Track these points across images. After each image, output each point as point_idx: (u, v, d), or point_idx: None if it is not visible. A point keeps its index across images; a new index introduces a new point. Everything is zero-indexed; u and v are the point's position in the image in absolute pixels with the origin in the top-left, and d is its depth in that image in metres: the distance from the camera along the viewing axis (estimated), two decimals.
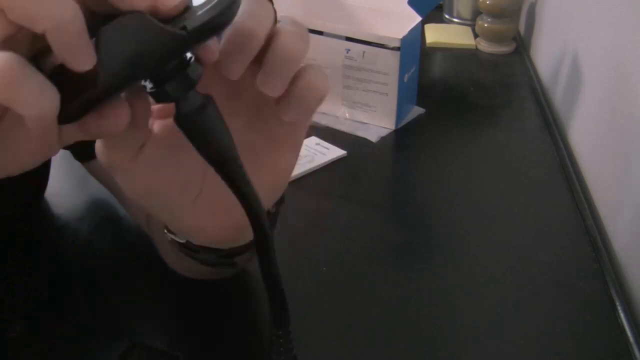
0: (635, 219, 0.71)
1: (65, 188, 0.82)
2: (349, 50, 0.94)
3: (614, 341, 0.62)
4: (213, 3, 0.30)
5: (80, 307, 0.63)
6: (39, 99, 0.27)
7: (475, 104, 1.05)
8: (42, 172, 0.70)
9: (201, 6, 0.30)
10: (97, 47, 0.29)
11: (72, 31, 0.27)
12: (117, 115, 0.31)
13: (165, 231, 0.49)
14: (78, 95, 0.30)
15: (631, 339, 0.62)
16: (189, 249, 0.48)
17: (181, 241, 0.48)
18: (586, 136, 0.92)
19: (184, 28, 0.29)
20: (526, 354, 0.60)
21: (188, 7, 0.31)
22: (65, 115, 0.30)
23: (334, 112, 1.00)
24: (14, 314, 0.62)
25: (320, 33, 0.94)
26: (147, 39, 0.29)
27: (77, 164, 0.68)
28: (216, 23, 0.30)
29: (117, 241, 0.73)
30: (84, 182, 0.79)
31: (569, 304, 0.66)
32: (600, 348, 0.61)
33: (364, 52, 0.93)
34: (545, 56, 1.17)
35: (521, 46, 1.24)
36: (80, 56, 0.28)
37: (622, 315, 0.64)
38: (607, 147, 0.83)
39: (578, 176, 0.88)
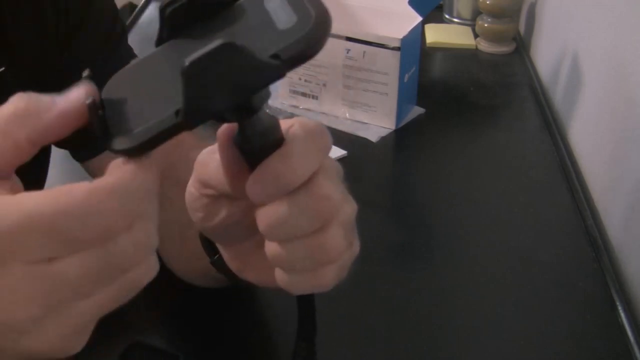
0: (635, 219, 0.71)
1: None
2: (349, 50, 0.94)
3: (614, 341, 0.62)
4: (303, 28, 0.28)
5: None
6: None
7: (475, 104, 1.05)
8: (40, 173, 0.70)
9: (287, 29, 0.29)
10: (189, 80, 0.27)
11: None
12: None
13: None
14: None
15: (631, 339, 0.62)
16: (210, 249, 0.48)
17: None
18: (586, 136, 0.92)
19: (276, 56, 0.28)
20: (526, 354, 0.60)
21: (266, 24, 0.29)
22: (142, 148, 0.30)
23: (334, 112, 1.00)
24: None
25: None
26: (241, 69, 0.28)
27: (77, 164, 0.68)
28: (310, 53, 0.29)
29: None
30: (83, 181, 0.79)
31: (569, 304, 0.66)
32: (600, 348, 0.61)
33: (364, 52, 0.93)
34: (545, 56, 1.17)
35: (521, 46, 1.24)
36: None
37: (622, 315, 0.64)
38: (607, 147, 0.83)
39: (578, 176, 0.88)
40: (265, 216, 0.33)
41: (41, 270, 0.27)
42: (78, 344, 0.30)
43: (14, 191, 0.29)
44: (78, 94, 0.30)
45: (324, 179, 0.33)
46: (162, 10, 0.31)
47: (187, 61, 0.27)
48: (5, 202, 0.27)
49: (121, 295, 0.30)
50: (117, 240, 0.28)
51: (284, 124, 0.34)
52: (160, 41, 0.32)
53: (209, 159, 0.37)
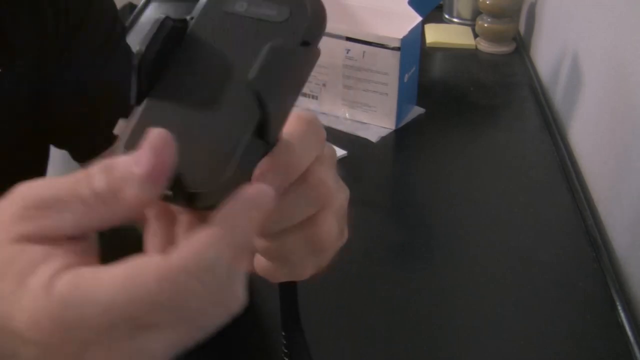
0: (635, 219, 0.71)
1: None
2: (349, 50, 0.94)
3: (614, 341, 0.62)
4: (303, 9, 0.28)
5: None
6: None
7: (475, 104, 1.05)
8: (38, 173, 0.70)
9: (288, 18, 0.28)
10: (263, 93, 0.26)
11: None
12: None
13: None
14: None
15: (631, 339, 0.62)
16: None
17: None
18: (586, 136, 0.92)
19: (306, 43, 0.28)
20: (526, 354, 0.60)
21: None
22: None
23: (334, 112, 1.00)
24: None
25: None
26: (294, 65, 0.28)
27: (75, 164, 0.68)
28: (324, 25, 0.29)
29: (116, 241, 0.73)
30: None
31: (569, 304, 0.66)
32: (600, 348, 0.61)
33: (364, 52, 0.93)
34: (545, 56, 1.17)
35: (521, 46, 1.24)
36: None
37: (622, 315, 0.64)
38: (607, 147, 0.83)
39: (578, 176, 0.88)
40: None
41: (122, 347, 0.26)
42: None
43: (85, 254, 0.28)
44: (157, 135, 0.27)
45: (319, 166, 0.33)
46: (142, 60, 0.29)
47: (252, 77, 0.26)
48: (79, 295, 0.25)
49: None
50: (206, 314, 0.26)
51: None
52: (143, 88, 0.29)
53: None
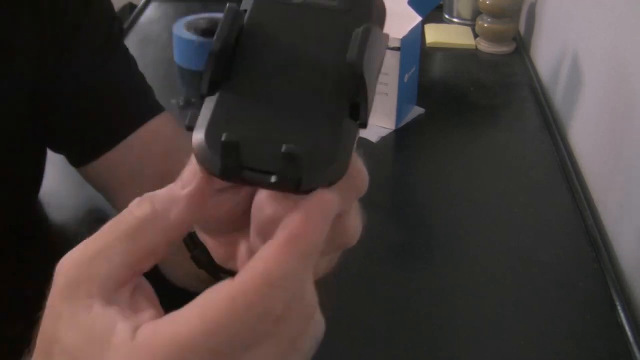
0: (635, 219, 0.71)
1: (63, 188, 0.82)
2: None
3: (614, 341, 0.62)
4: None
5: None
6: None
7: (475, 104, 1.05)
8: (36, 174, 0.70)
9: (341, 1, 0.29)
10: (362, 74, 0.26)
11: None
12: None
13: None
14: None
15: (631, 339, 0.62)
16: (190, 241, 0.47)
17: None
18: (586, 136, 0.92)
19: (367, 28, 0.28)
20: (526, 354, 0.60)
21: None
22: None
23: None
24: (14, 314, 0.62)
25: None
26: (379, 46, 0.28)
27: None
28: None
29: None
30: (81, 182, 0.79)
31: (569, 304, 0.66)
32: (600, 348, 0.61)
33: None
34: (545, 56, 1.17)
35: (521, 46, 1.24)
36: None
37: (622, 315, 0.64)
38: (607, 147, 0.82)
39: (578, 176, 0.88)
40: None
41: None
42: None
43: (147, 299, 0.28)
44: (192, 171, 0.28)
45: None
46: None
47: (352, 54, 0.26)
48: (160, 340, 0.25)
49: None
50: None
51: None
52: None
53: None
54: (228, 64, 0.28)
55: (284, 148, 0.24)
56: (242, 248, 0.33)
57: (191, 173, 0.28)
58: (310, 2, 0.29)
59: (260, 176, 0.25)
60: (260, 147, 0.26)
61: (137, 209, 0.28)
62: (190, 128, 0.27)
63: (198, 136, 0.26)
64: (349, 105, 0.27)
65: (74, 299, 0.27)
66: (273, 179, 0.25)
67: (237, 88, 0.27)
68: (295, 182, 0.25)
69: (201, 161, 0.26)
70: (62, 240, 0.73)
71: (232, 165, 0.25)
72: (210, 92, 0.27)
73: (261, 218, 0.29)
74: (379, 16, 0.29)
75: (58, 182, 0.80)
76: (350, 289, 0.67)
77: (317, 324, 0.28)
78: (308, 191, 0.26)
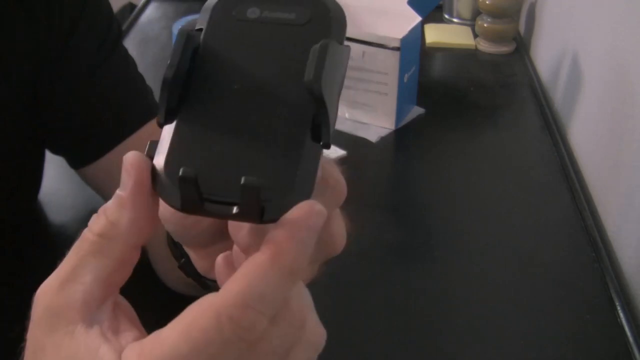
0: (636, 219, 0.71)
1: (63, 188, 0.82)
2: None
3: (614, 341, 0.62)
4: (326, 10, 0.28)
5: None
6: None
7: (475, 104, 1.05)
8: (35, 175, 0.70)
9: (312, 18, 0.28)
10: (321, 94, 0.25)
11: None
12: None
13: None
14: None
15: (631, 339, 0.62)
16: (177, 250, 0.47)
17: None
18: (586, 136, 0.92)
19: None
20: (526, 354, 0.60)
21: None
22: None
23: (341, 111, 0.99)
24: (14, 314, 0.62)
25: None
26: (339, 61, 0.27)
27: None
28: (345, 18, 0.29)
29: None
30: (81, 182, 0.79)
31: (568, 304, 0.66)
32: (599, 348, 0.61)
33: (363, 52, 0.93)
34: (545, 56, 1.17)
35: (521, 46, 1.24)
36: None
37: (622, 315, 0.64)
38: (607, 147, 0.82)
39: (578, 176, 0.88)
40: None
41: None
42: None
43: (126, 315, 0.29)
44: (127, 172, 0.27)
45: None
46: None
47: (309, 76, 0.25)
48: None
49: None
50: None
51: None
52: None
53: None
54: (184, 90, 0.27)
55: (242, 180, 0.24)
56: (219, 260, 0.32)
57: (126, 174, 0.28)
58: (267, 17, 0.28)
59: (222, 208, 0.25)
60: (220, 177, 0.25)
61: (95, 225, 0.28)
62: (151, 158, 0.27)
63: (157, 169, 0.26)
64: (310, 126, 0.26)
65: (54, 330, 0.27)
66: (235, 210, 0.25)
67: (195, 115, 0.27)
68: (258, 213, 0.25)
69: (161, 195, 0.26)
70: (62, 240, 0.73)
71: (192, 198, 0.25)
72: (168, 121, 0.27)
73: (238, 238, 0.29)
74: (339, 28, 0.28)
75: (58, 182, 0.80)
76: (349, 289, 0.67)
77: (315, 334, 0.29)
78: (272, 221, 0.25)
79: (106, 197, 0.75)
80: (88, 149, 0.63)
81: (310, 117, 0.26)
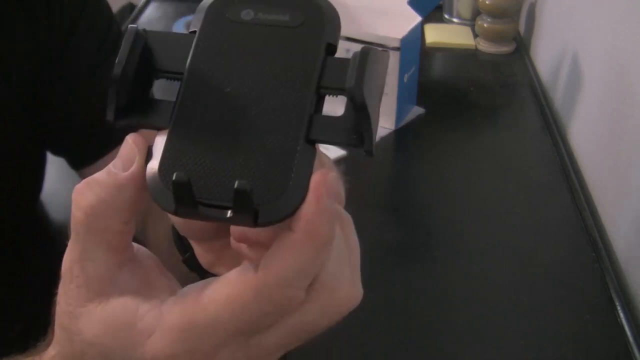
0: (635, 219, 0.71)
1: (63, 188, 0.82)
2: (349, 50, 0.94)
3: (614, 341, 0.62)
4: (320, 10, 0.28)
5: None
6: None
7: (475, 104, 1.05)
8: (36, 176, 0.70)
9: (306, 20, 0.28)
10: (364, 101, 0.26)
11: None
12: None
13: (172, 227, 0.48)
14: None
15: (631, 339, 0.62)
16: (182, 244, 0.47)
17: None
18: (586, 136, 0.92)
19: (330, 45, 0.28)
20: (526, 354, 0.60)
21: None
22: None
23: (334, 111, 0.99)
24: (14, 314, 0.62)
25: None
26: (380, 65, 0.27)
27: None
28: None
29: None
30: None
31: (568, 304, 0.66)
32: (599, 348, 0.61)
33: None
34: (545, 56, 1.17)
35: (521, 46, 1.24)
36: None
37: (622, 315, 0.64)
38: (607, 147, 0.83)
39: (578, 176, 0.88)
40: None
41: (240, 350, 0.27)
42: None
43: (146, 255, 0.30)
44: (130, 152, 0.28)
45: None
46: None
47: (351, 83, 0.25)
48: (188, 325, 0.26)
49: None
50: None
51: None
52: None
53: None
54: (139, 88, 0.27)
55: (236, 184, 0.24)
56: (226, 254, 0.34)
57: (131, 150, 0.28)
58: (261, 19, 0.28)
59: (215, 212, 0.25)
60: (214, 181, 0.25)
61: (79, 200, 0.30)
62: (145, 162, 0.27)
63: (151, 172, 0.26)
64: (305, 128, 0.26)
65: (89, 300, 0.28)
66: (229, 214, 0.25)
67: (189, 118, 0.27)
68: (252, 217, 0.25)
69: (155, 198, 0.26)
70: (62, 241, 0.73)
71: (185, 202, 0.25)
72: (118, 118, 0.27)
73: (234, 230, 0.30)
74: (332, 30, 0.28)
75: (58, 182, 0.80)
76: None
77: (350, 291, 0.32)
78: (267, 224, 0.25)
79: None
80: (88, 150, 0.63)
81: (305, 120, 0.26)
